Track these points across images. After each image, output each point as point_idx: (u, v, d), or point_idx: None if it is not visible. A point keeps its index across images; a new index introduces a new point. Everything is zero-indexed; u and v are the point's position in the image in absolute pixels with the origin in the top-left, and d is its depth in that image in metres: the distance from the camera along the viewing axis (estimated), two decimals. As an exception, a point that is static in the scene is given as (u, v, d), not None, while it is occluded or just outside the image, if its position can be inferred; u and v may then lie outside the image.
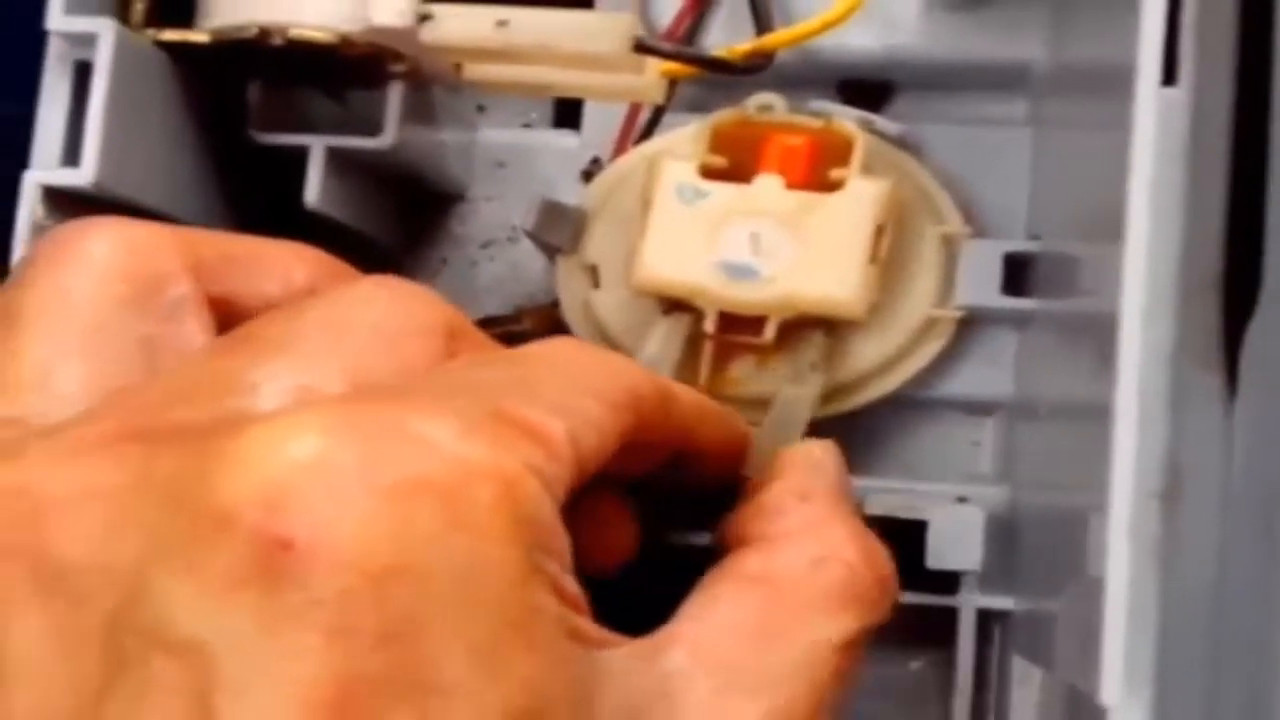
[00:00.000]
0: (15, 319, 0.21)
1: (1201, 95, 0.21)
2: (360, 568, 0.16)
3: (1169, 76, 0.21)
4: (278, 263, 0.23)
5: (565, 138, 0.35)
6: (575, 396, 0.21)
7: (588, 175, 0.34)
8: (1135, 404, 0.21)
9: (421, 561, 0.17)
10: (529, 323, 0.33)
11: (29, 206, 0.26)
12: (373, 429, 0.17)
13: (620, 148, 0.33)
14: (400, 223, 0.35)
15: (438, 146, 0.33)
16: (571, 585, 0.19)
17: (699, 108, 0.32)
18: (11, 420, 0.20)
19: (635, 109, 0.33)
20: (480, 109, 0.36)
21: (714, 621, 0.22)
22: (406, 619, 0.17)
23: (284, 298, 0.23)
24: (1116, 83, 0.23)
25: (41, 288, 0.21)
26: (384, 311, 0.21)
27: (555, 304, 0.33)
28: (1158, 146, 0.21)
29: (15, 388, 0.21)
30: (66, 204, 0.27)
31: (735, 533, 0.24)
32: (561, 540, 0.19)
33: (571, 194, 0.34)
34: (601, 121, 0.34)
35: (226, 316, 0.23)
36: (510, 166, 0.35)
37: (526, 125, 0.36)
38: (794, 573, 0.23)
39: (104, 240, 0.22)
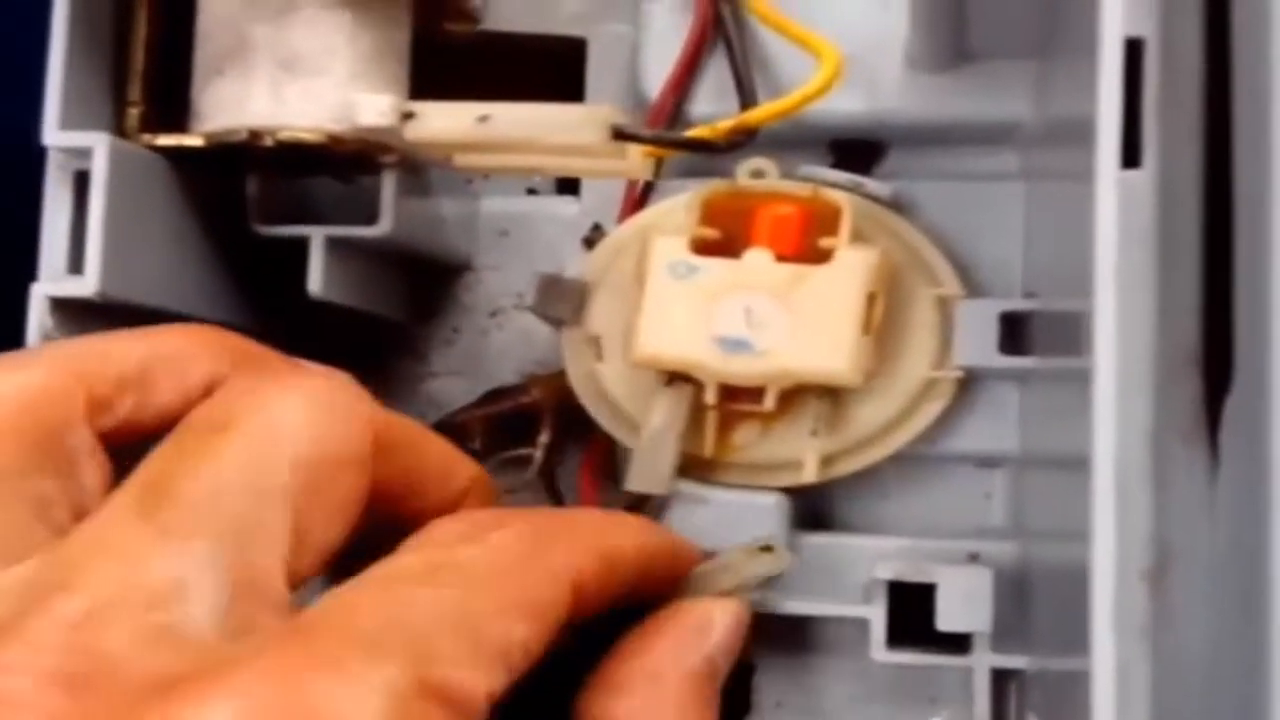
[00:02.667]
0: None
1: (1168, 175, 0.21)
2: None
3: (1131, 159, 0.21)
4: (173, 370, 0.23)
5: (567, 204, 0.36)
6: (508, 622, 0.21)
7: (589, 243, 0.35)
8: (1112, 482, 0.21)
9: None
10: (537, 392, 0.34)
11: (38, 318, 0.27)
12: (292, 714, 0.18)
13: (623, 214, 0.34)
14: (408, 297, 0.36)
15: (438, 221, 0.34)
16: None
17: (692, 173, 0.32)
18: None
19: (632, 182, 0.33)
20: (485, 177, 0.36)
21: None
22: None
23: (184, 406, 0.23)
24: (1088, 147, 0.23)
25: None
26: (307, 448, 0.21)
27: (563, 372, 0.33)
28: (1120, 229, 0.21)
29: None
30: (74, 313, 0.27)
31: (584, 707, 0.25)
32: None
33: (575, 260, 0.34)
34: (600, 187, 0.34)
35: (124, 437, 0.23)
36: (513, 235, 0.36)
37: (531, 191, 0.37)
38: None
39: None
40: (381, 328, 0.36)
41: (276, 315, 0.34)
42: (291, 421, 0.22)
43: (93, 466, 0.22)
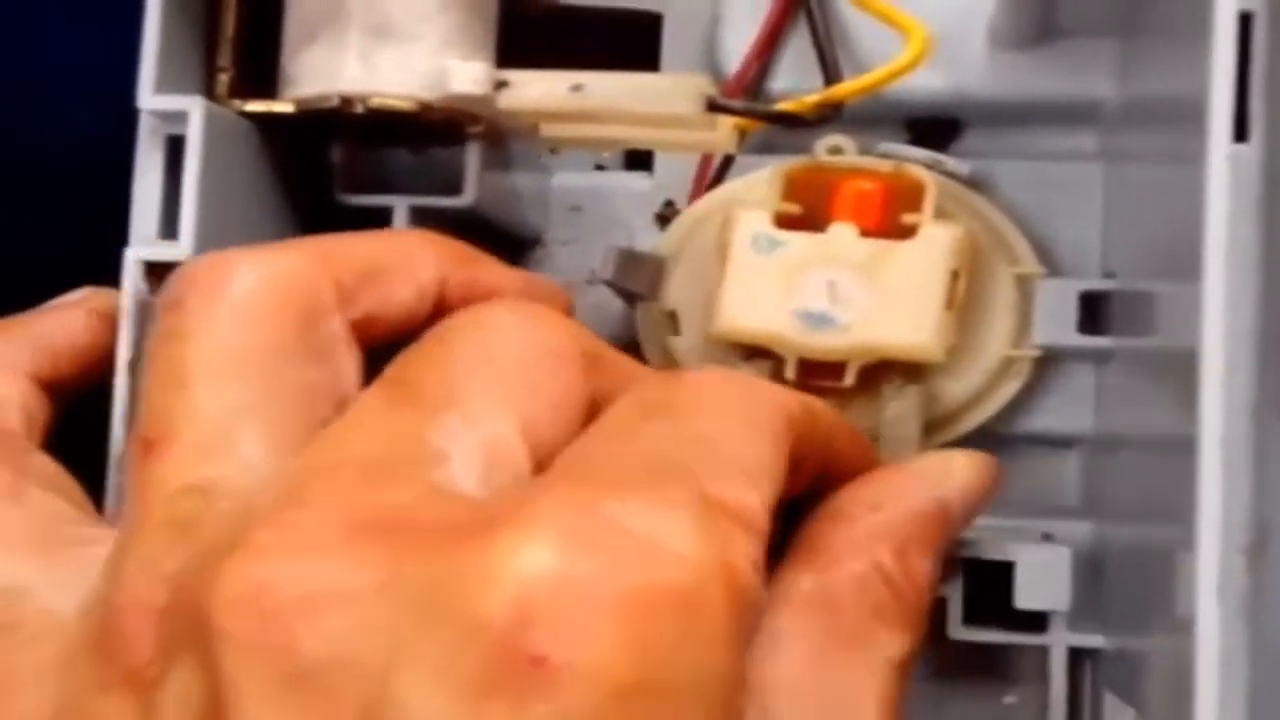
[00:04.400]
0: (183, 377, 0.21)
1: (1273, 150, 0.21)
2: (607, 686, 0.17)
3: (1240, 133, 0.21)
4: (406, 267, 0.24)
5: (638, 180, 0.36)
6: (754, 447, 0.21)
7: (662, 219, 0.35)
8: (1219, 459, 0.21)
9: (663, 677, 0.17)
10: (610, 367, 0.34)
11: (132, 283, 0.27)
12: (607, 535, 0.18)
13: (696, 191, 0.34)
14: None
15: (514, 195, 0.34)
16: None
17: (769, 149, 0.33)
18: (201, 488, 0.20)
19: (707, 157, 0.33)
20: (552, 152, 0.36)
21: (781, 662, 0.22)
22: None
23: (419, 303, 0.24)
24: (1188, 124, 0.23)
25: (200, 339, 0.21)
26: (523, 344, 0.22)
27: (637, 347, 0.33)
28: (1231, 204, 0.21)
29: (199, 452, 0.21)
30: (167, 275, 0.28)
31: (804, 531, 0.24)
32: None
33: (647, 236, 0.34)
34: (673, 163, 0.35)
35: (365, 334, 0.23)
36: (585, 210, 0.36)
37: (600, 167, 0.37)
38: (845, 592, 0.23)
39: (251, 280, 0.22)
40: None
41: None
42: (513, 322, 0.22)
43: (349, 357, 0.23)
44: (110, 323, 0.27)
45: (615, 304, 0.35)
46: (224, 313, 0.22)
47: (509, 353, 0.22)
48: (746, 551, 0.19)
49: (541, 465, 0.21)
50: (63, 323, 0.28)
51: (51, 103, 0.40)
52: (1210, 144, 0.21)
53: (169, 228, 0.28)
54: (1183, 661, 0.21)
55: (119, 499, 0.26)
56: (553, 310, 0.24)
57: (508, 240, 0.36)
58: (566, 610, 0.17)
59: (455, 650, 0.17)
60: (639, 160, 0.36)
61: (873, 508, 0.24)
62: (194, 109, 0.27)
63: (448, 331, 0.22)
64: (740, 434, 0.21)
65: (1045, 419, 0.32)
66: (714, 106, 0.27)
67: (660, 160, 0.35)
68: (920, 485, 0.25)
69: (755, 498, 0.20)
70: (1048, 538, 0.31)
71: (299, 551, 0.18)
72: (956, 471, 0.26)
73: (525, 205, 0.35)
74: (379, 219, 0.31)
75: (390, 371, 0.22)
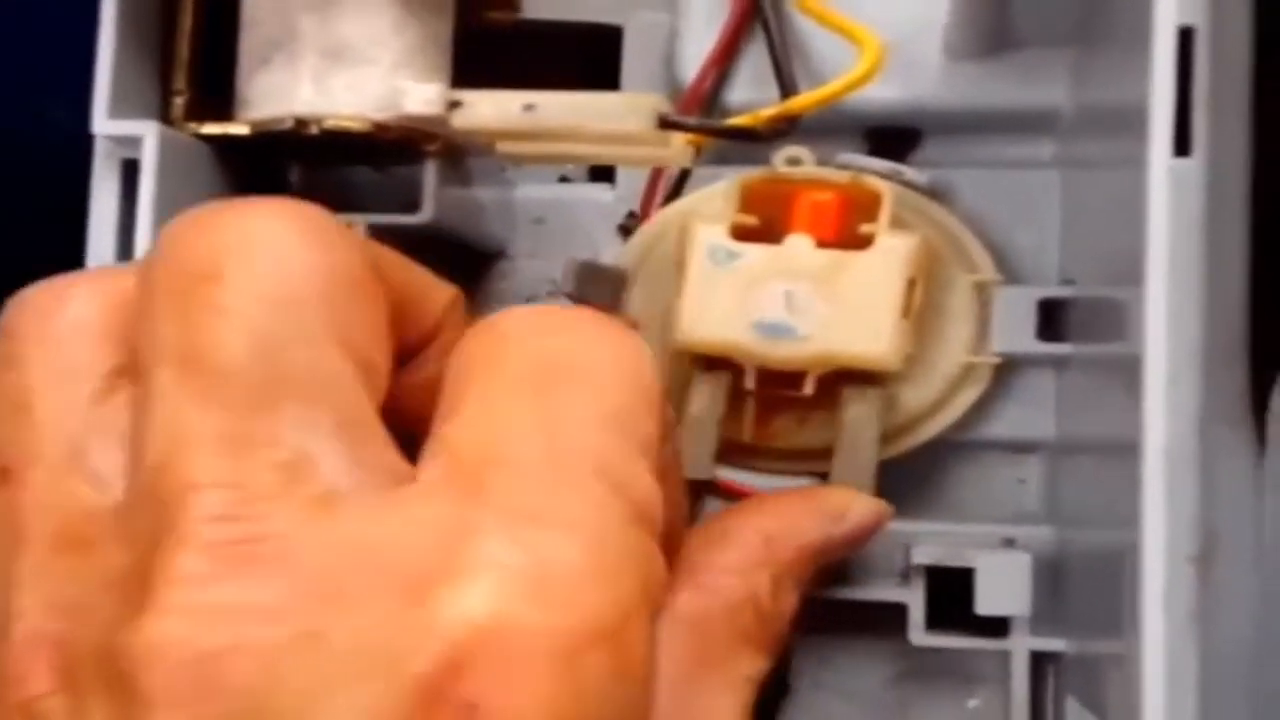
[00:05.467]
0: (27, 401, 0.20)
1: (1217, 164, 0.21)
2: None
3: (1182, 147, 0.21)
4: None
5: (601, 192, 0.36)
6: (646, 418, 0.20)
7: (625, 230, 0.35)
8: (1162, 468, 0.21)
9: (593, 716, 0.18)
10: (573, 380, 0.34)
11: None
12: (536, 580, 0.18)
13: (648, 203, 0.34)
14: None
15: (476, 209, 0.34)
16: None
17: (726, 160, 0.33)
18: (71, 507, 0.20)
19: (658, 170, 0.34)
20: (517, 166, 0.37)
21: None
22: None
23: None
24: (1135, 135, 0.23)
25: (37, 363, 0.21)
26: (317, 276, 0.20)
27: (598, 360, 0.33)
28: (1172, 217, 0.21)
29: (57, 472, 0.20)
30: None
31: (690, 546, 0.24)
32: None
33: (611, 247, 0.35)
34: (635, 175, 0.35)
35: None
36: (549, 222, 0.36)
37: (564, 179, 0.37)
38: (720, 616, 0.24)
39: (85, 301, 0.21)
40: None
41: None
42: (288, 250, 0.20)
43: None
44: None
45: (579, 316, 0.36)
46: (59, 334, 0.21)
47: (308, 296, 0.20)
48: (659, 564, 0.19)
49: (379, 390, 0.20)
50: None
51: (34, 103, 0.39)
52: (1151, 157, 0.21)
53: (125, 251, 0.28)
54: (1136, 678, 0.22)
55: None
56: (321, 212, 0.21)
57: (469, 255, 0.36)
58: (497, 657, 0.17)
59: (385, 699, 0.17)
60: (602, 172, 0.36)
61: (766, 539, 0.25)
62: (148, 133, 0.27)
63: (211, 279, 0.19)
64: (636, 403, 0.20)
65: (1006, 426, 0.32)
66: (666, 124, 0.27)
67: (622, 172, 0.35)
68: (816, 522, 0.26)
69: (655, 484, 0.20)
70: (1009, 543, 0.31)
71: (210, 607, 0.18)
72: (853, 515, 0.27)
73: (487, 219, 0.35)
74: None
75: (168, 347, 0.20)
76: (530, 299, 0.36)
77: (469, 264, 0.36)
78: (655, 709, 0.21)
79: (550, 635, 0.17)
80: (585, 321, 0.22)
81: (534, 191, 0.36)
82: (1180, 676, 0.21)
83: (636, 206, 0.35)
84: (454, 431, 0.20)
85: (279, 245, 0.20)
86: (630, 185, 0.35)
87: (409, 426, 0.21)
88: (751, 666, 0.24)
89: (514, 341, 0.21)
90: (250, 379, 0.19)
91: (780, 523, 0.25)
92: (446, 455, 0.19)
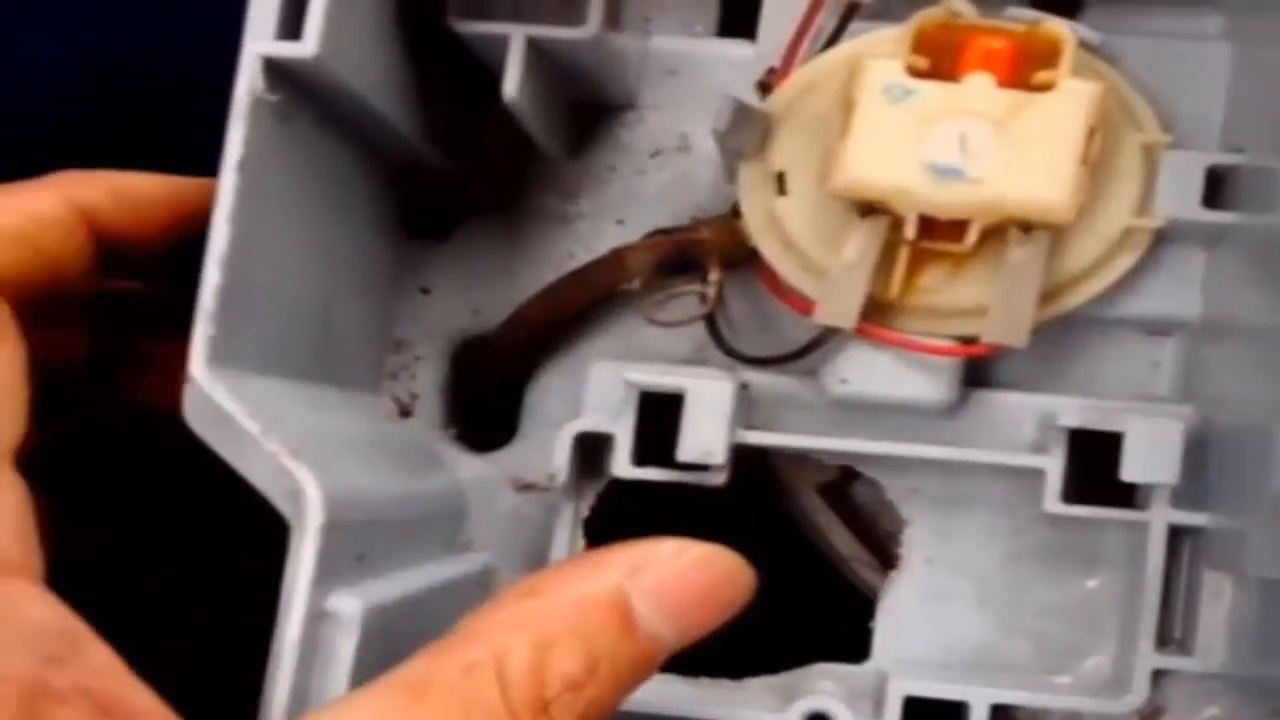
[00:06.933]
0: None
1: None
2: None
3: None
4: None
5: (740, 47, 0.35)
6: None
7: (764, 86, 0.34)
8: None
9: None
10: (707, 232, 0.33)
11: (249, 78, 0.26)
12: None
13: (790, 58, 0.33)
14: (570, 129, 0.35)
15: (622, 49, 0.33)
16: None
17: (872, 18, 0.32)
18: None
19: (809, 20, 0.33)
20: (646, 19, 0.35)
21: None
22: None
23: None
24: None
25: None
26: None
27: (733, 213, 0.33)
28: None
29: None
30: (284, 78, 0.26)
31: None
32: None
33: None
34: (778, 32, 0.34)
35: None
36: (682, 74, 0.35)
37: (693, 36, 0.36)
38: (445, 681, 0.21)
39: None
40: (532, 161, 0.35)
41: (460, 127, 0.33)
42: None
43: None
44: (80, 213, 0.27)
45: (704, 173, 0.35)
46: None
47: None
48: None
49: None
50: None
51: (18, 40, 0.37)
52: None
53: (290, 27, 0.26)
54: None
55: (206, 346, 0.25)
56: None
57: (601, 101, 0.35)
58: None
59: None
60: (732, 28, 0.35)
61: (528, 593, 0.22)
62: (326, -94, 0.26)
63: None
64: None
65: (1149, 303, 0.32)
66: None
67: (764, 28, 0.34)
68: (595, 571, 0.23)
69: None
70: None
71: None
72: (661, 560, 0.23)
73: (627, 62, 0.34)
74: (491, 49, 0.30)
75: None
76: (657, 152, 0.35)
77: (594, 111, 0.35)
78: None
79: None
80: None
81: (670, 44, 0.35)
82: None
83: (777, 64, 0.34)
84: None
85: None
86: (771, 43, 0.34)
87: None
88: None
89: None
90: None
91: (552, 578, 0.23)
92: None
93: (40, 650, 0.20)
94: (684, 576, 0.23)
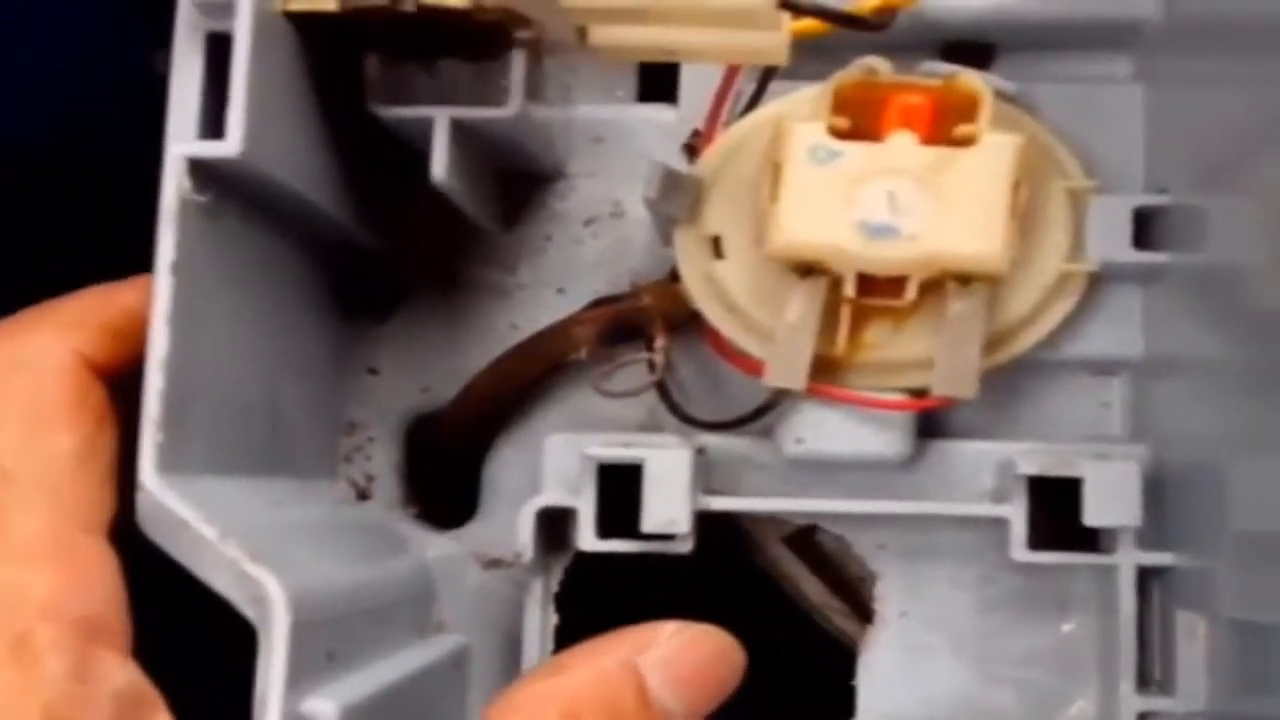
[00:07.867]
0: None
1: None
2: None
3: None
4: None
5: (662, 112, 0.35)
6: None
7: (690, 149, 0.34)
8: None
9: None
10: (648, 298, 0.33)
11: (175, 180, 0.26)
12: None
13: (713, 121, 0.33)
14: (502, 202, 0.35)
15: (546, 121, 0.33)
16: None
17: (791, 77, 0.32)
18: None
19: (728, 84, 0.33)
20: (567, 87, 0.35)
21: None
22: None
23: None
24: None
25: None
26: None
27: (672, 277, 0.32)
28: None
29: None
30: (210, 176, 0.26)
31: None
32: None
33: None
34: (698, 95, 0.34)
35: None
36: (608, 141, 0.35)
37: (615, 102, 0.36)
38: None
39: None
40: (467, 236, 0.34)
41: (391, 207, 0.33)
42: None
43: None
44: None
45: (639, 237, 0.35)
46: None
47: None
48: None
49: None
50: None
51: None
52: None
53: (211, 127, 0.26)
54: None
55: (155, 453, 0.25)
56: None
57: (530, 172, 0.35)
58: None
59: None
60: (653, 92, 0.35)
61: (553, 669, 0.25)
62: (243, 1, 0.26)
63: None
64: None
65: (1091, 344, 0.32)
66: (786, 4, 0.26)
67: (685, 91, 0.34)
68: (604, 649, 0.25)
69: None
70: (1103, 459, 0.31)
71: None
72: (666, 639, 0.26)
73: (553, 133, 0.34)
74: (415, 131, 0.30)
75: None
76: (591, 220, 0.35)
77: (525, 183, 0.35)
78: None
79: None
80: None
81: (594, 111, 0.35)
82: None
83: (700, 126, 0.34)
84: None
85: None
86: (693, 106, 0.34)
87: None
88: None
89: None
90: None
91: (562, 660, 0.25)
92: None
93: (117, 712, 0.23)
94: (685, 651, 0.26)
